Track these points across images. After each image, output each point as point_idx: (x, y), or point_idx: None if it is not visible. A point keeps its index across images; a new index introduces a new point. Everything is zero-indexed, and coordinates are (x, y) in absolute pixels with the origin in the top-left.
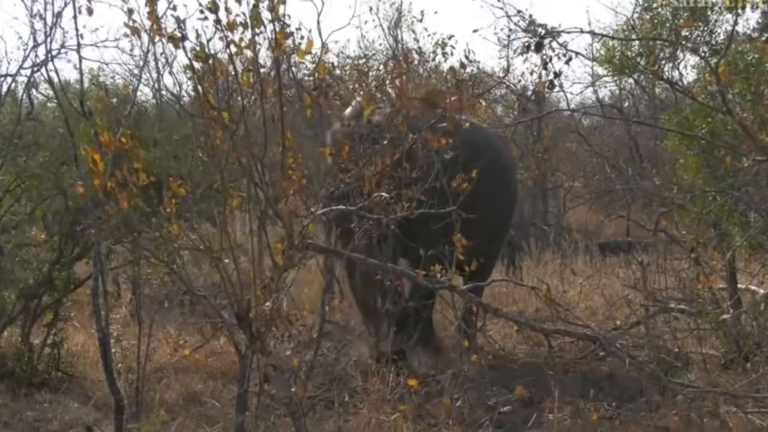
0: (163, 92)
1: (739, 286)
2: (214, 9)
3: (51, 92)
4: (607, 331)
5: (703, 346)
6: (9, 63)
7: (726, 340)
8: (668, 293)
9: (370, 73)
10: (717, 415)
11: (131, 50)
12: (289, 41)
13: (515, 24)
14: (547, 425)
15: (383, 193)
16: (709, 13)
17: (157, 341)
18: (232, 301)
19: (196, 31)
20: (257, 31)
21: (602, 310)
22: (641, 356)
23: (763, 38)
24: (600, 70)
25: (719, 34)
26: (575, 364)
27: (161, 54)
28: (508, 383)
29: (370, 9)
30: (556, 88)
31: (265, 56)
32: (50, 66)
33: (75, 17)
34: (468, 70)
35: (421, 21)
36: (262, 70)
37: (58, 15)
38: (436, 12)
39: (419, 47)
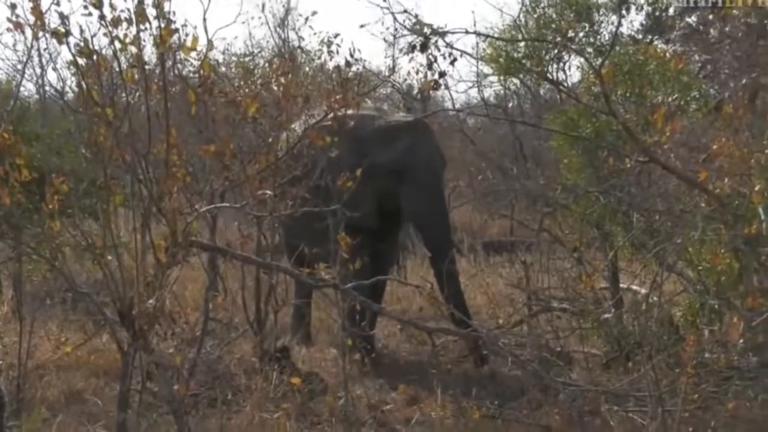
0: (47, 88)
1: (620, 285)
2: (98, 5)
3: None
4: (490, 330)
5: (585, 345)
6: None
7: (607, 339)
8: (551, 292)
9: (256, 71)
10: (598, 413)
11: (14, 45)
12: (174, 38)
13: (401, 23)
14: (430, 424)
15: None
16: (594, 14)
17: (39, 338)
18: (114, 299)
19: (80, 26)
20: (142, 27)
21: (485, 308)
22: (524, 355)
23: (648, 40)
24: (486, 70)
25: (604, 35)
26: (458, 362)
27: (45, 49)
28: (392, 381)
29: (259, 6)
30: (442, 88)
31: (149, 53)
32: None
33: None
34: (353, 68)
35: (307, 20)
36: (146, 67)
37: None
38: (314, 13)
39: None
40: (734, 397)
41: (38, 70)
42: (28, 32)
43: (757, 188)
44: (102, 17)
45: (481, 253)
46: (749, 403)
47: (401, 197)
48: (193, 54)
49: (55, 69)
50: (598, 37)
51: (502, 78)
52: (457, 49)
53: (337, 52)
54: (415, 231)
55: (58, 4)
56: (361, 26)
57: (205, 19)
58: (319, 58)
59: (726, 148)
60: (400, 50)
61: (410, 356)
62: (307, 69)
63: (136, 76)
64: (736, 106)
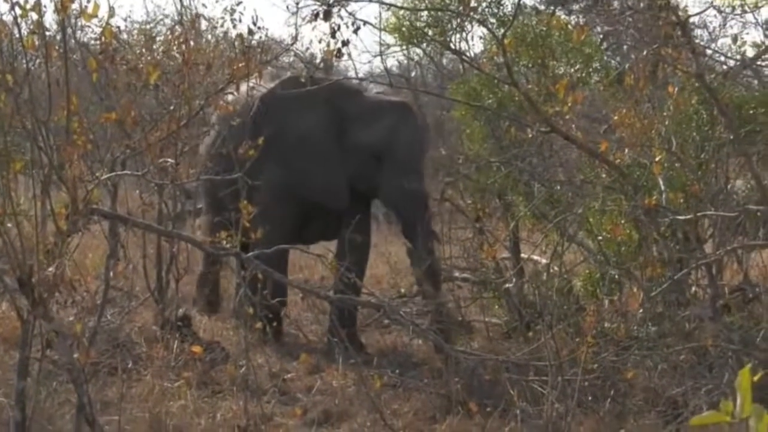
0: None
1: (522, 255)
2: None
3: None
4: (392, 299)
5: (486, 315)
6: None
7: (509, 308)
8: (452, 262)
9: (158, 38)
10: (499, 382)
11: None
12: (75, 4)
13: None
14: (331, 392)
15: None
16: None
17: None
18: (14, 266)
19: None
20: None
21: (387, 278)
22: (425, 324)
23: (550, 11)
24: (389, 39)
25: (507, 5)
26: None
27: None
28: (293, 350)
29: None
30: (345, 57)
31: (50, 19)
32: None
33: None
34: (256, 36)
35: None
36: (47, 33)
37: None
38: None
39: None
40: (633, 367)
41: None
42: None
43: (657, 159)
44: None
45: (382, 222)
46: (648, 372)
47: (381, 180)
48: (95, 21)
49: None
50: (501, 7)
51: (404, 48)
52: (359, 19)
53: (240, 20)
54: (394, 215)
55: None
56: None
57: None
58: (222, 26)
59: (627, 119)
60: (303, 18)
61: (312, 325)
62: (209, 37)
63: (37, 43)
64: (637, 78)
